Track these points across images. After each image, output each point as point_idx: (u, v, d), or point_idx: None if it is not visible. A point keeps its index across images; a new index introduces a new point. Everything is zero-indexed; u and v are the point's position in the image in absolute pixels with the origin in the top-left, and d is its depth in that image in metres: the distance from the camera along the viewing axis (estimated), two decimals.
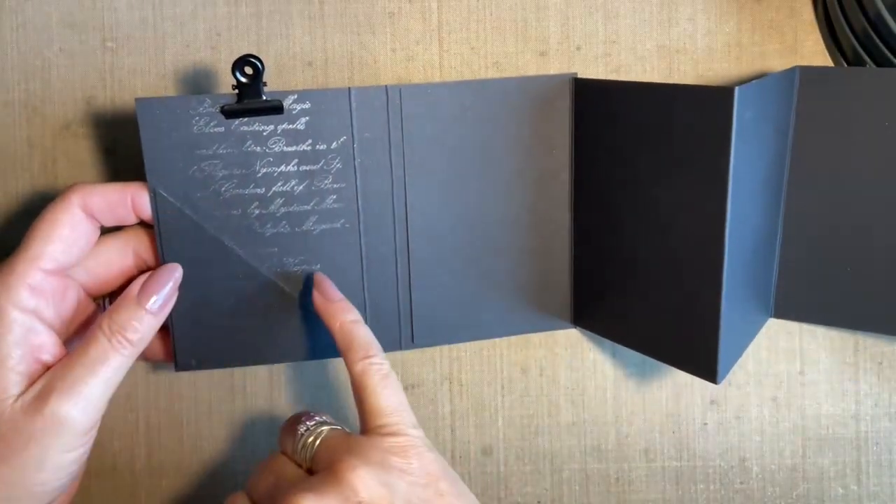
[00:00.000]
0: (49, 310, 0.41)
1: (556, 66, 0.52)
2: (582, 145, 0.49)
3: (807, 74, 0.48)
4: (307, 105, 0.46)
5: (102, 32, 0.52)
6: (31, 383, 0.39)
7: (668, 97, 0.43)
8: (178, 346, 0.47)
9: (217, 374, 0.52)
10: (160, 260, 0.46)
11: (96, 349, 0.40)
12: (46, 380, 0.39)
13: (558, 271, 0.51)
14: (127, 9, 0.52)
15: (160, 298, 0.42)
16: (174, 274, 0.44)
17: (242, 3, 0.52)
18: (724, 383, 0.53)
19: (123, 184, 0.44)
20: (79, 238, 0.42)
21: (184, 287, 0.45)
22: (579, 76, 0.48)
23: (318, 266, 0.48)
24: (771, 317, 0.50)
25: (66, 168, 0.52)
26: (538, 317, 0.51)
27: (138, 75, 0.52)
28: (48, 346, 0.40)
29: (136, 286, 0.42)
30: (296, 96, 0.46)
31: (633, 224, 0.46)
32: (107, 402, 0.41)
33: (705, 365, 0.43)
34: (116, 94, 0.52)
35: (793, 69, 0.48)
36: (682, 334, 0.44)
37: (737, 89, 0.38)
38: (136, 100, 0.44)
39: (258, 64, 0.43)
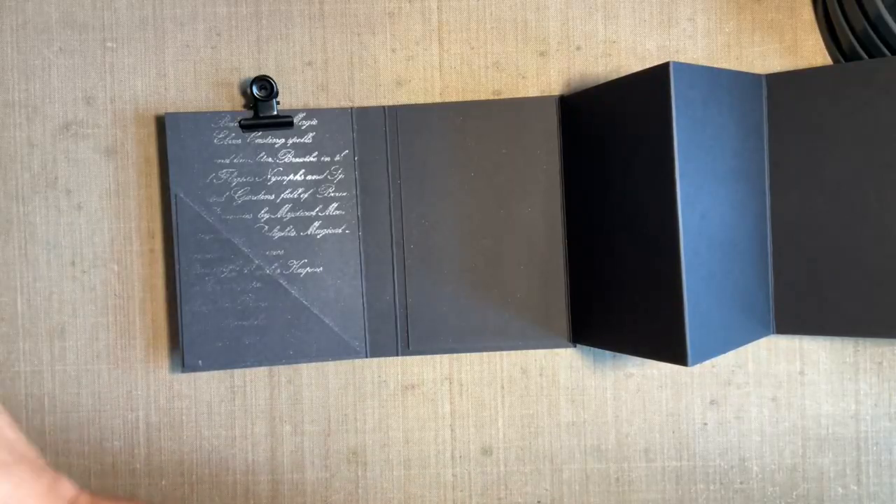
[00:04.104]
0: None
1: (556, 66, 0.52)
2: (568, 160, 0.50)
3: (774, 80, 0.49)
4: (314, 122, 0.50)
5: (102, 32, 0.52)
6: None
7: (622, 89, 0.45)
8: (186, 346, 0.49)
9: (217, 374, 0.52)
10: (176, 260, 0.49)
11: None
12: None
13: (555, 286, 0.51)
14: (127, 9, 0.52)
15: None
16: None
17: (242, 3, 0.52)
18: (724, 383, 0.53)
19: None
20: None
21: (196, 287, 0.49)
22: (569, 87, 0.49)
23: (321, 268, 0.50)
24: (773, 333, 0.50)
25: (66, 168, 0.52)
26: (537, 333, 0.52)
27: (138, 75, 0.52)
28: None
29: None
30: (304, 114, 0.50)
31: (612, 225, 0.47)
32: None
33: (675, 346, 0.43)
34: (116, 94, 0.52)
35: (759, 76, 0.49)
36: (659, 324, 0.44)
37: (671, 62, 0.42)
38: (167, 114, 0.49)
39: (273, 84, 0.49)
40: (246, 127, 0.50)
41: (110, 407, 0.51)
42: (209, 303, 0.49)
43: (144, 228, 0.52)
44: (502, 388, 0.53)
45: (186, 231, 0.49)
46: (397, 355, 0.51)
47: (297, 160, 0.50)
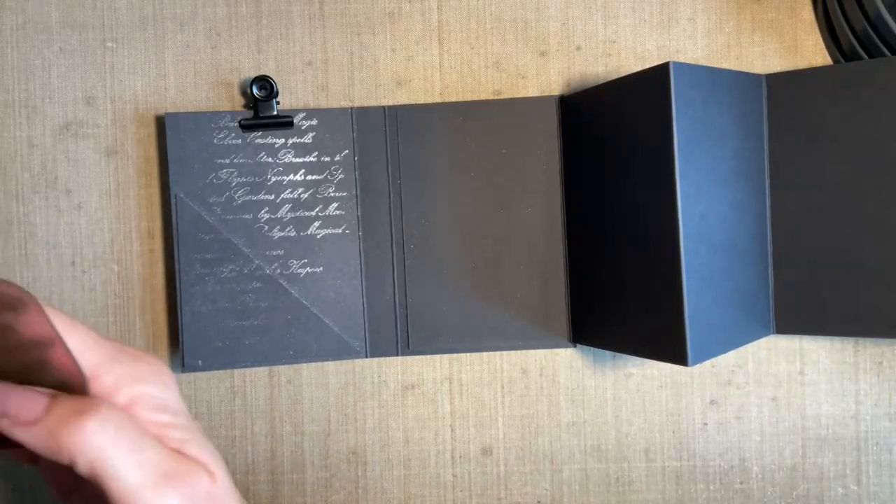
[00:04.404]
0: None
1: (556, 66, 0.52)
2: (568, 160, 0.50)
3: (774, 80, 0.49)
4: (314, 122, 0.50)
5: (102, 32, 0.52)
6: None
7: (622, 89, 0.45)
8: (186, 346, 0.49)
9: (217, 374, 0.52)
10: (176, 260, 0.49)
11: None
12: None
13: (555, 286, 0.51)
14: (127, 9, 0.52)
15: None
16: None
17: (242, 3, 0.52)
18: (724, 383, 0.53)
19: None
20: None
21: (196, 287, 0.49)
22: (569, 87, 0.49)
23: (321, 268, 0.50)
24: (773, 333, 0.50)
25: (65, 168, 0.52)
26: (537, 333, 0.52)
27: (138, 75, 0.52)
28: None
29: None
30: (304, 114, 0.50)
31: (612, 226, 0.47)
32: None
33: (676, 346, 0.43)
34: (116, 94, 0.52)
35: (759, 76, 0.49)
36: (659, 324, 0.44)
37: (671, 62, 0.42)
38: (167, 114, 0.49)
39: (273, 84, 0.49)
40: (246, 127, 0.50)
41: None
42: (209, 303, 0.49)
43: (144, 228, 0.52)
44: (502, 388, 0.53)
45: (186, 231, 0.49)
46: (397, 355, 0.51)
47: (297, 160, 0.50)
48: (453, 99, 0.52)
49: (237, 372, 0.52)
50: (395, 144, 0.50)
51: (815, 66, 0.52)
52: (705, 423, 0.53)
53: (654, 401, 0.53)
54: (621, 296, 0.47)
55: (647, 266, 0.44)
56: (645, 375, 0.53)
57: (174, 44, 0.52)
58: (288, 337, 0.50)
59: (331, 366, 0.53)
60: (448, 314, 0.51)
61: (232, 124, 0.50)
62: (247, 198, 0.50)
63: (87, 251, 0.52)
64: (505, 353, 0.53)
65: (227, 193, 0.50)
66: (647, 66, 0.52)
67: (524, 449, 0.53)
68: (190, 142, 0.50)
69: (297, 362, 0.50)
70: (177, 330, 0.50)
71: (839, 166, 0.48)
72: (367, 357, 0.51)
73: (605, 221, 0.48)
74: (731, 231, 0.46)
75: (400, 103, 0.52)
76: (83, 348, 0.30)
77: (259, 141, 0.50)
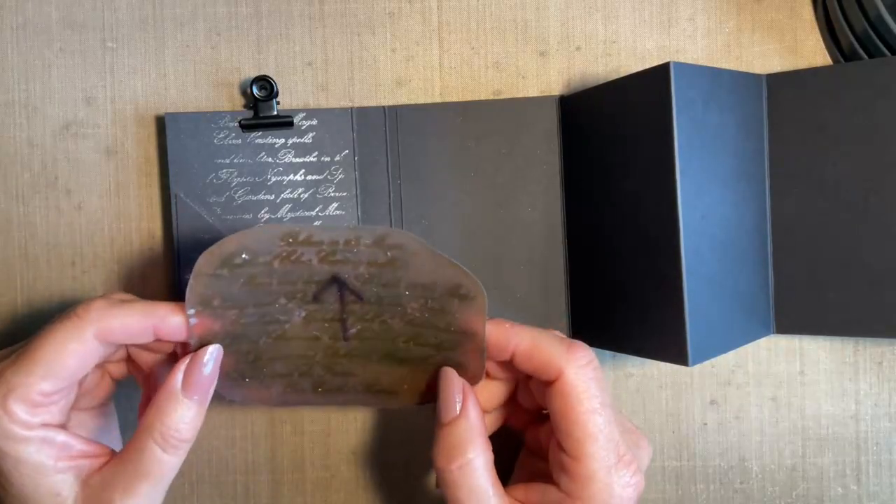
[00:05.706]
0: (57, 413, 0.38)
1: (556, 66, 0.52)
2: (568, 160, 0.50)
3: (774, 80, 0.49)
4: (314, 122, 0.50)
5: (102, 32, 0.52)
6: (85, 478, 0.38)
7: (622, 89, 0.45)
8: None
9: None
10: (176, 260, 0.49)
11: (151, 460, 0.37)
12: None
13: (555, 286, 0.51)
14: (127, 9, 0.52)
15: (207, 387, 0.39)
16: (214, 356, 0.39)
17: (242, 3, 0.52)
18: (724, 383, 0.53)
19: (146, 310, 0.39)
20: (86, 363, 0.38)
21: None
22: (569, 87, 0.49)
23: None
24: (773, 333, 0.50)
25: (66, 168, 0.52)
26: None
27: (138, 75, 0.52)
28: (69, 443, 0.38)
29: (176, 381, 0.38)
30: (304, 114, 0.50)
31: (612, 226, 0.47)
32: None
33: (676, 346, 0.43)
34: (116, 94, 0.52)
35: (759, 76, 0.49)
36: (659, 324, 0.44)
37: (671, 62, 0.41)
38: (167, 114, 0.49)
39: (273, 84, 0.49)
40: (246, 127, 0.50)
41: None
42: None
43: (144, 228, 0.52)
44: None
45: (186, 231, 0.49)
46: None
47: (297, 160, 0.50)
48: (453, 99, 0.52)
49: None
50: (395, 144, 0.50)
51: (815, 66, 0.52)
52: (705, 423, 0.53)
53: (654, 401, 0.53)
54: (621, 296, 0.47)
55: (647, 266, 0.44)
56: (645, 375, 0.53)
57: (174, 44, 0.52)
58: None
59: None
60: None
61: (232, 124, 0.50)
62: (247, 198, 0.50)
63: (87, 251, 0.52)
64: None
65: (227, 193, 0.50)
66: (647, 66, 0.52)
67: None
68: (190, 142, 0.50)
69: None
70: None
71: (839, 166, 0.48)
72: None
73: (605, 221, 0.48)
74: (732, 231, 0.46)
75: (400, 103, 0.52)
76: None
77: (259, 141, 0.50)
